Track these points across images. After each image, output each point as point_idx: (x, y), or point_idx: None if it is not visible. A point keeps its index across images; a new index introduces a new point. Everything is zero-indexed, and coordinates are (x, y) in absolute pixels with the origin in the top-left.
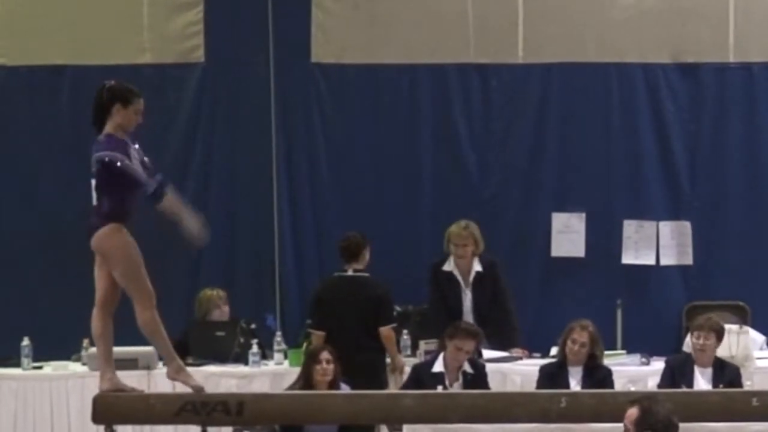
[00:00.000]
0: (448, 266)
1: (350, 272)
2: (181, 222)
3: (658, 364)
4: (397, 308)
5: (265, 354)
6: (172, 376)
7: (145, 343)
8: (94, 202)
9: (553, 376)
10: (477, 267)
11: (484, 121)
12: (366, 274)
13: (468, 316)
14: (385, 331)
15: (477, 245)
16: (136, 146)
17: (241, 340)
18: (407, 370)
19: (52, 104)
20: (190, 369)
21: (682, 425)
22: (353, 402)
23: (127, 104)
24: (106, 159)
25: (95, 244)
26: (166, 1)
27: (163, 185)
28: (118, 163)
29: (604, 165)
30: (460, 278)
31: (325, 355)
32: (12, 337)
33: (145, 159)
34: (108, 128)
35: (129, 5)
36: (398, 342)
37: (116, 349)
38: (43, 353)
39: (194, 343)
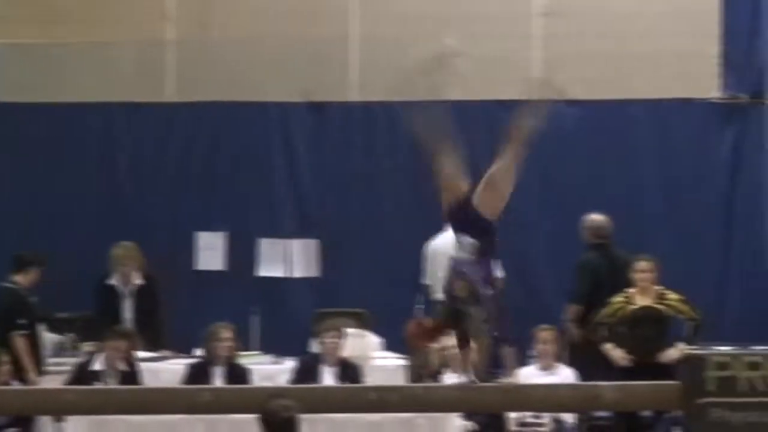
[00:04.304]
0: (113, 281)
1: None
2: None
3: (290, 364)
4: (64, 314)
5: None
6: None
7: None
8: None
9: (198, 374)
10: (137, 280)
11: (138, 154)
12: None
13: (128, 323)
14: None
15: (137, 262)
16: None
17: None
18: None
19: None
20: None
21: (307, 417)
22: (21, 396)
23: None
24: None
25: None
26: None
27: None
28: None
29: (242, 189)
30: (122, 290)
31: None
32: None
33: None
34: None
35: None
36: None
37: None
38: None
39: None
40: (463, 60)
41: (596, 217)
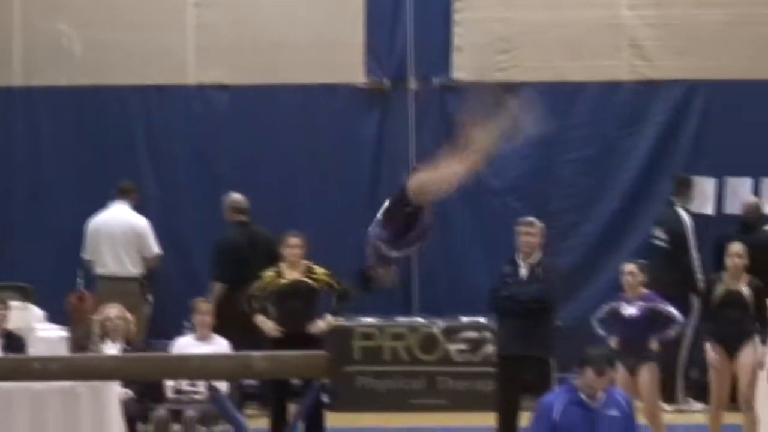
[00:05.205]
0: None
1: None
2: None
3: None
4: None
5: None
6: None
7: None
8: None
9: None
10: None
11: None
12: None
13: None
14: None
15: None
16: None
17: None
18: None
19: None
20: None
21: None
22: None
23: None
24: None
25: None
26: None
27: None
28: None
29: None
30: None
31: None
32: None
33: None
34: None
35: None
36: None
37: None
38: None
39: None
40: (79, 45)
41: (236, 196)
